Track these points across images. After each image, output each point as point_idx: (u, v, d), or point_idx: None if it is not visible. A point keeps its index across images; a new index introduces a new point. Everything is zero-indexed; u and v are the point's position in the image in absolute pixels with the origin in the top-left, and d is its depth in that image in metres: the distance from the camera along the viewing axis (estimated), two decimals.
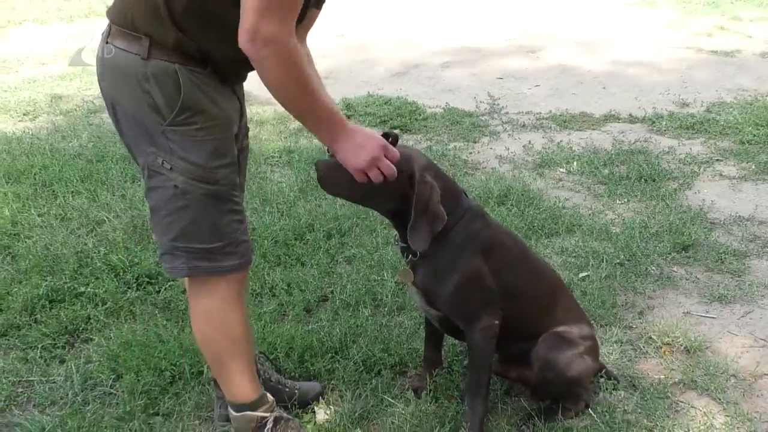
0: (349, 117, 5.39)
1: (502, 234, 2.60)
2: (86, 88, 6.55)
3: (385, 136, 2.32)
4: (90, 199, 4.36)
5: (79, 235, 3.98)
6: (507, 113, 5.87)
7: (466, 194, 2.54)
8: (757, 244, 3.90)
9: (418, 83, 6.59)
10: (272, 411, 2.46)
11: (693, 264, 3.71)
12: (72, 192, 4.47)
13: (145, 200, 2.26)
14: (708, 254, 3.78)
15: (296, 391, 2.74)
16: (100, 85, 2.18)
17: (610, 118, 5.75)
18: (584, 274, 3.60)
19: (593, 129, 5.54)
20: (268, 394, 2.51)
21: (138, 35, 2.03)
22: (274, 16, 1.89)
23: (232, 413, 2.44)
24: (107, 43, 2.11)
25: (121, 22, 2.07)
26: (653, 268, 3.67)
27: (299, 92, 2.04)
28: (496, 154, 5.08)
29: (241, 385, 2.41)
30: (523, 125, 5.60)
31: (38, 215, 4.22)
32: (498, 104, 6.05)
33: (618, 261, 3.69)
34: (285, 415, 2.51)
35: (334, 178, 2.30)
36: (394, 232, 2.55)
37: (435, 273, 2.47)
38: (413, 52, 7.54)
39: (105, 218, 4.11)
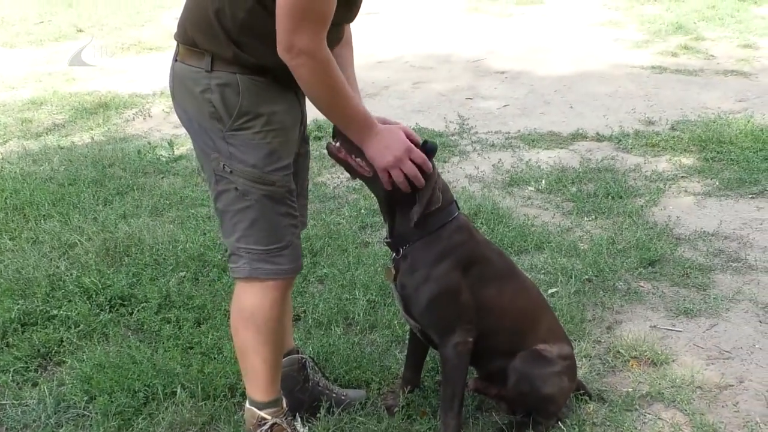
0: (319, 139, 5.44)
1: (487, 249, 2.65)
2: (57, 111, 6.55)
3: (424, 143, 2.46)
4: (62, 223, 4.37)
5: (51, 259, 3.98)
6: (476, 133, 5.94)
7: (457, 206, 2.60)
8: (722, 258, 3.97)
9: (389, 105, 6.65)
10: (277, 416, 2.53)
11: (659, 279, 3.78)
12: (44, 215, 4.47)
13: (213, 205, 2.46)
14: (674, 269, 3.85)
15: (343, 397, 2.86)
16: (173, 98, 2.41)
17: (578, 136, 5.83)
18: (553, 290, 3.65)
19: (561, 148, 5.61)
20: (284, 402, 2.59)
21: (201, 51, 2.23)
22: (306, 30, 2.09)
23: (246, 404, 2.56)
24: (176, 60, 2.34)
25: (185, 41, 2.30)
26: (621, 283, 3.73)
27: (331, 96, 2.24)
28: (465, 173, 5.14)
29: (259, 382, 2.52)
30: (493, 144, 5.67)
31: (9, 239, 4.22)
32: (467, 124, 6.12)
33: (586, 277, 3.76)
34: (286, 426, 2.57)
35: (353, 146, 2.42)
36: (384, 233, 2.61)
37: (412, 278, 2.53)
38: (383, 73, 7.60)
39: (77, 241, 4.12)
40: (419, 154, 2.39)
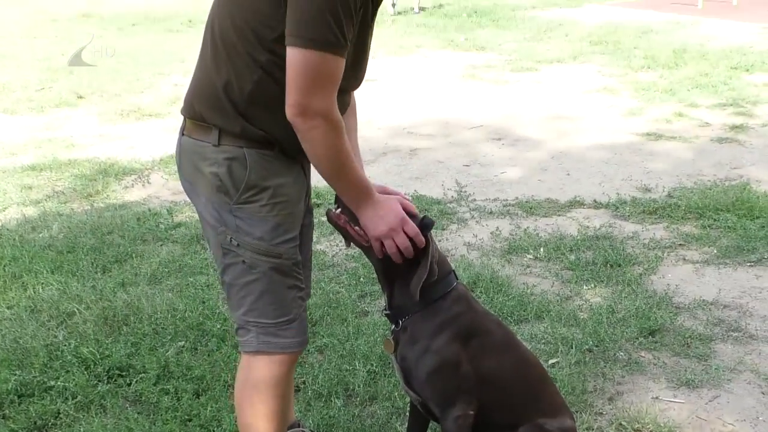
0: (318, 206, 5.46)
1: (486, 319, 2.64)
2: (57, 178, 6.57)
3: (423, 218, 2.47)
4: (60, 291, 4.36)
5: (49, 328, 3.97)
6: (474, 200, 5.97)
7: (456, 275, 2.60)
8: (722, 328, 3.97)
9: (387, 172, 6.70)
10: None
11: (660, 349, 3.77)
12: (42, 283, 4.46)
13: (220, 278, 2.46)
14: (674, 339, 3.84)
15: None
16: (179, 171, 2.44)
17: (575, 203, 5.86)
18: (554, 360, 3.64)
19: (559, 215, 5.64)
20: None
21: (208, 125, 2.25)
22: (321, 91, 2.10)
23: None
24: (183, 134, 2.38)
25: (193, 115, 2.33)
26: (621, 353, 3.72)
27: (338, 160, 2.23)
28: (464, 241, 5.15)
29: None
30: (491, 212, 5.69)
31: (7, 308, 4.21)
32: (465, 191, 6.15)
33: (587, 347, 3.74)
34: None
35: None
36: (383, 303, 2.60)
37: (412, 350, 2.51)
38: (381, 140, 7.67)
39: (75, 310, 4.11)
40: (412, 228, 2.39)
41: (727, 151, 7.11)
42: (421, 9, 16.42)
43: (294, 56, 2.09)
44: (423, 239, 2.43)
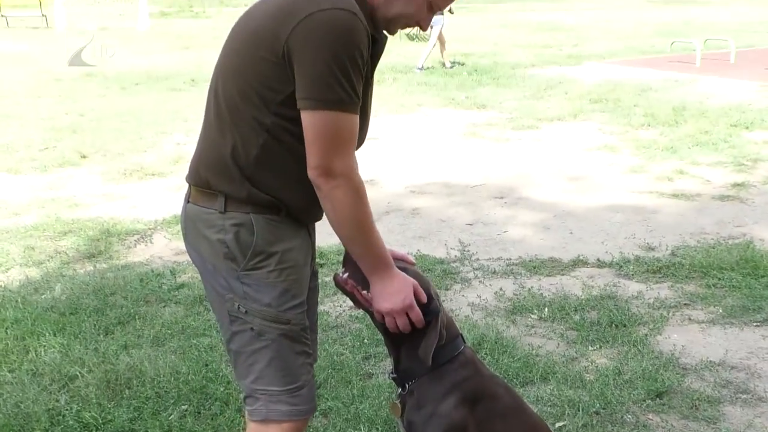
0: (321, 266, 5.45)
1: (493, 383, 2.62)
2: (59, 238, 6.57)
3: (429, 303, 2.44)
4: (63, 354, 4.33)
5: (50, 392, 3.93)
6: (477, 259, 5.96)
7: (464, 339, 2.59)
8: (730, 390, 3.93)
9: (390, 231, 6.70)
10: None
11: (668, 411, 3.73)
12: (44, 346, 4.43)
13: (226, 346, 2.43)
14: (682, 401, 3.80)
15: None
16: (185, 238, 2.43)
17: (579, 263, 5.85)
18: (561, 424, 3.60)
19: (562, 274, 5.62)
20: None
21: (214, 192, 2.25)
22: (341, 152, 2.12)
23: None
24: (188, 202, 2.37)
25: (198, 183, 2.31)
26: (629, 416, 3.68)
27: (360, 222, 2.23)
28: (468, 301, 5.13)
29: None
30: (494, 271, 5.68)
31: (9, 371, 4.17)
32: (468, 250, 6.14)
33: (594, 410, 3.71)
34: None
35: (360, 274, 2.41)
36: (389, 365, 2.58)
37: (418, 414, 2.48)
38: (384, 199, 7.69)
39: (78, 373, 4.07)
40: (417, 314, 2.38)
41: (729, 209, 7.12)
42: (424, 67, 16.62)
43: (309, 119, 2.11)
44: (424, 324, 2.42)
